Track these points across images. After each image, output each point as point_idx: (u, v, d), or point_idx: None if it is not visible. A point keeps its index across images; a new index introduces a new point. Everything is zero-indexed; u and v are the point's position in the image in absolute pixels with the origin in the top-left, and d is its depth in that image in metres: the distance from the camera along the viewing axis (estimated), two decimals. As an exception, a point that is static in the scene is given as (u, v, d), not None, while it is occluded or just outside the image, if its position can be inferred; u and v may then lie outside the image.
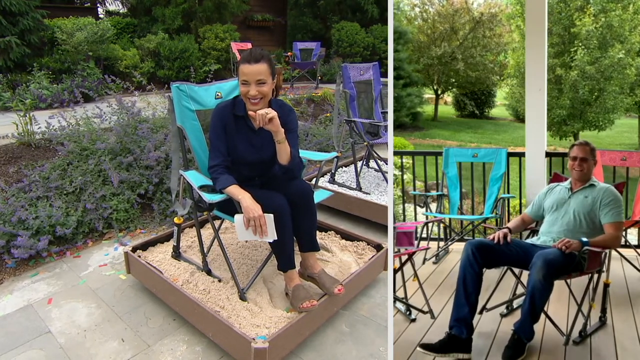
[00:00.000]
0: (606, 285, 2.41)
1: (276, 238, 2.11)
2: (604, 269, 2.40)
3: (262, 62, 2.17)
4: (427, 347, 2.05)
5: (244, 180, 2.37)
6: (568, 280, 2.27)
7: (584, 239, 2.14)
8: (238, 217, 2.13)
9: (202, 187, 2.25)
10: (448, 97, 18.47)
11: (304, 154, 2.71)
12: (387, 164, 4.60)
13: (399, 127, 13.56)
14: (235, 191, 2.15)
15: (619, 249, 2.99)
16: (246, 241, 3.09)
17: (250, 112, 2.19)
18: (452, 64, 15.10)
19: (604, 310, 2.37)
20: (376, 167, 4.64)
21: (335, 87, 4.32)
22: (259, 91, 2.17)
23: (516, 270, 2.39)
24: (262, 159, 2.33)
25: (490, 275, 2.86)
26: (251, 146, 2.32)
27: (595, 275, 2.26)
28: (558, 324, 2.21)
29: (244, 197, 2.11)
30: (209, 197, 2.15)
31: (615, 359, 2.08)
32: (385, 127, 4.36)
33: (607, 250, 2.39)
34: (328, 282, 2.33)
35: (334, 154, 2.68)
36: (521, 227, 2.60)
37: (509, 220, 3.42)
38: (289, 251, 2.31)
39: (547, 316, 2.18)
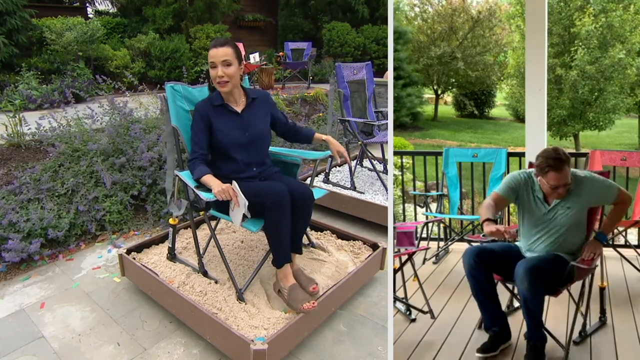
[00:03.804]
0: (602, 289, 2.40)
1: (246, 202, 2.11)
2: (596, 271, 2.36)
3: (227, 46, 2.31)
4: (484, 350, 2.11)
5: (242, 170, 2.41)
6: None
7: (600, 234, 2.12)
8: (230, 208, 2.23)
9: (198, 187, 2.24)
10: (448, 97, 18.52)
11: (299, 153, 2.75)
12: (380, 163, 4.60)
13: (399, 127, 13.59)
14: (208, 179, 2.21)
15: (618, 249, 3.01)
16: (241, 241, 3.07)
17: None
18: (452, 64, 15.15)
19: (603, 311, 2.38)
20: (370, 166, 4.63)
21: (328, 86, 4.31)
22: (225, 72, 2.29)
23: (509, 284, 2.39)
24: (252, 138, 2.41)
25: None
26: (238, 128, 2.40)
27: (587, 280, 2.23)
28: (559, 324, 2.21)
29: (214, 184, 2.16)
30: (206, 196, 2.14)
31: (615, 359, 2.08)
32: (379, 126, 4.35)
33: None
34: (304, 281, 2.37)
35: (328, 152, 2.67)
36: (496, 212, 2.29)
37: (509, 221, 3.41)
38: (285, 243, 2.29)
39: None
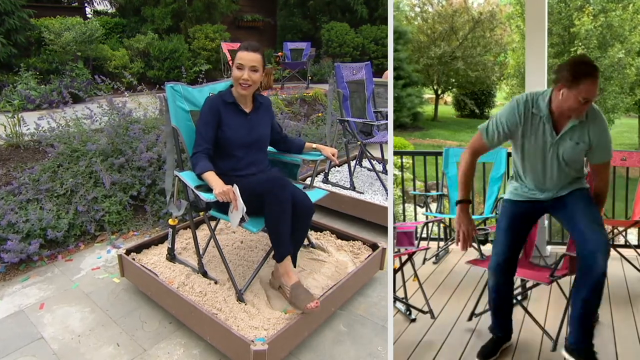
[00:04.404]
0: None
1: (245, 207, 2.11)
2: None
3: (257, 53, 2.39)
4: (485, 355, 2.08)
5: (242, 168, 2.44)
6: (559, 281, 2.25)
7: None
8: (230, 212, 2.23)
9: (198, 187, 2.24)
10: (448, 97, 18.50)
11: (303, 156, 2.75)
12: (380, 163, 4.60)
13: (398, 127, 13.56)
14: (210, 178, 2.22)
15: (618, 249, 3.00)
16: (241, 242, 3.07)
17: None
18: (452, 64, 15.13)
19: None
20: (369, 166, 4.63)
21: (327, 86, 4.30)
22: (250, 77, 2.37)
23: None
24: (255, 139, 2.49)
25: (478, 276, 2.86)
26: (244, 128, 2.47)
27: None
28: (554, 324, 2.21)
29: (216, 185, 2.16)
30: (207, 196, 2.14)
31: (615, 359, 2.08)
32: (378, 126, 4.35)
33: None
34: (302, 295, 2.31)
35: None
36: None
37: None
38: (285, 235, 2.27)
39: (535, 320, 2.17)
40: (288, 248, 2.31)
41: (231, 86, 2.50)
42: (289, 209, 2.25)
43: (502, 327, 2.13)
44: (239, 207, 2.11)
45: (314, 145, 2.73)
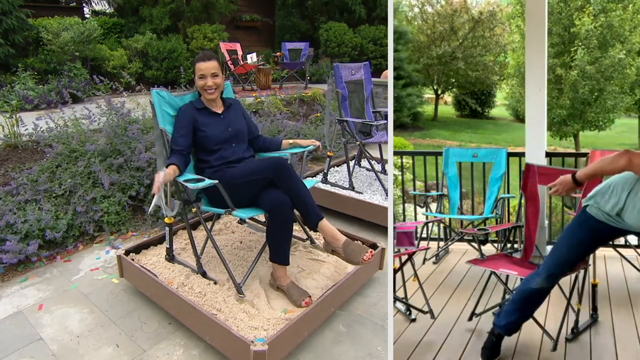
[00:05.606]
0: (594, 286, 2.41)
1: (162, 199, 2.23)
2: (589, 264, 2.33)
3: (213, 60, 2.58)
4: (489, 357, 2.09)
5: (229, 156, 2.56)
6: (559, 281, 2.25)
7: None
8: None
9: (186, 181, 2.32)
10: (448, 97, 18.55)
11: (289, 150, 2.84)
12: (378, 163, 4.59)
13: (399, 127, 13.62)
14: (168, 170, 2.29)
15: (618, 249, 3.00)
16: (240, 242, 3.06)
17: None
18: (452, 64, 15.17)
19: (595, 308, 2.39)
20: (368, 166, 4.62)
21: (326, 86, 4.30)
22: (214, 82, 2.56)
23: (502, 277, 2.40)
24: (234, 132, 2.64)
25: (478, 276, 2.87)
26: (220, 125, 2.63)
27: (581, 274, 2.25)
28: (555, 324, 2.20)
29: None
30: (192, 185, 2.24)
31: (615, 359, 2.07)
32: (377, 126, 4.35)
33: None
34: (296, 294, 2.39)
35: (311, 147, 2.83)
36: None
37: (508, 221, 3.39)
38: (283, 244, 2.40)
39: (536, 320, 2.17)
40: (286, 260, 2.42)
41: (200, 94, 2.66)
42: (291, 228, 2.43)
43: (513, 327, 2.09)
44: (157, 193, 2.15)
45: (291, 141, 2.85)
